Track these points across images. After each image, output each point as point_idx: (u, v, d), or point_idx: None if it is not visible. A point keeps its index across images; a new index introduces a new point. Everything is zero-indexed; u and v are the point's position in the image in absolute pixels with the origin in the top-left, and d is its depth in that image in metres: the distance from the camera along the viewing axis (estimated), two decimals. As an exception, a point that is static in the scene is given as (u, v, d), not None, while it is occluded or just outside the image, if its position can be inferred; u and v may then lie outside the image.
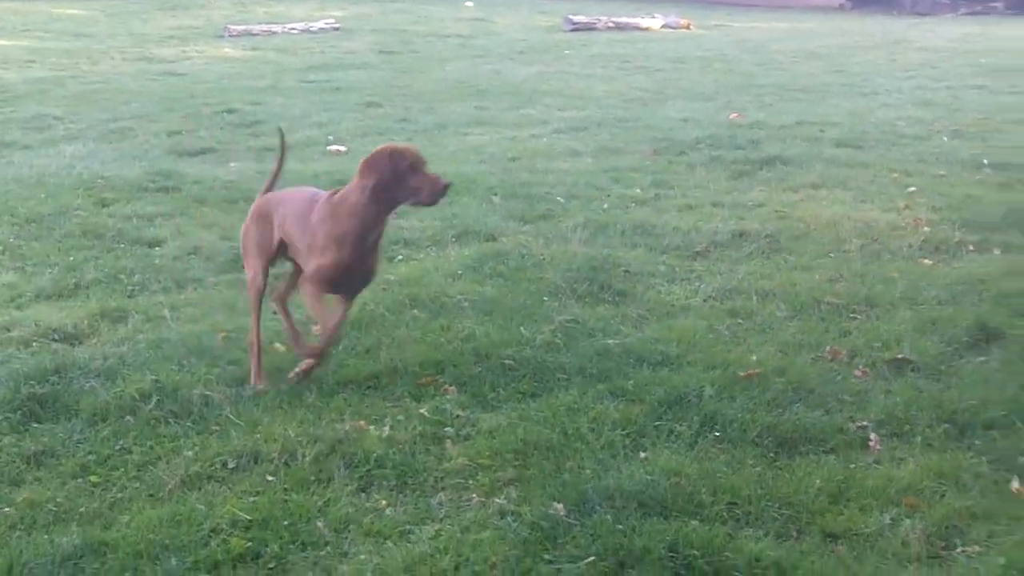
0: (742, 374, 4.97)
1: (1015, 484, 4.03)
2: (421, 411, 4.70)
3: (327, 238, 4.84)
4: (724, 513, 3.84)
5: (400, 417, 4.67)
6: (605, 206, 8.58)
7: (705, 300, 6.23)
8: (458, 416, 4.66)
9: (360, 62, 18.95)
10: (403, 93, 15.39)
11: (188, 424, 4.62)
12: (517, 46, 22.25)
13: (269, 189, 5.45)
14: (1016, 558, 3.51)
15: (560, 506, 3.86)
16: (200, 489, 4.10)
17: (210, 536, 3.75)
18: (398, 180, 4.78)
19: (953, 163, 9.94)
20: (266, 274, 5.18)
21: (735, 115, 12.73)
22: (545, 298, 6.24)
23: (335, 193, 4.99)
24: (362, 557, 3.62)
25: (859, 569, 3.48)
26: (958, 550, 3.64)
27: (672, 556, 3.53)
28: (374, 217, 4.84)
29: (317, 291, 4.86)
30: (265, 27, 23.59)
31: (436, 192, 4.81)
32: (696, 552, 3.54)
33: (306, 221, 4.96)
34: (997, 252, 7.10)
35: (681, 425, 4.51)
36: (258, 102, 14.03)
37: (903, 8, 32.15)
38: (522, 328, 5.66)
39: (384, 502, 4.00)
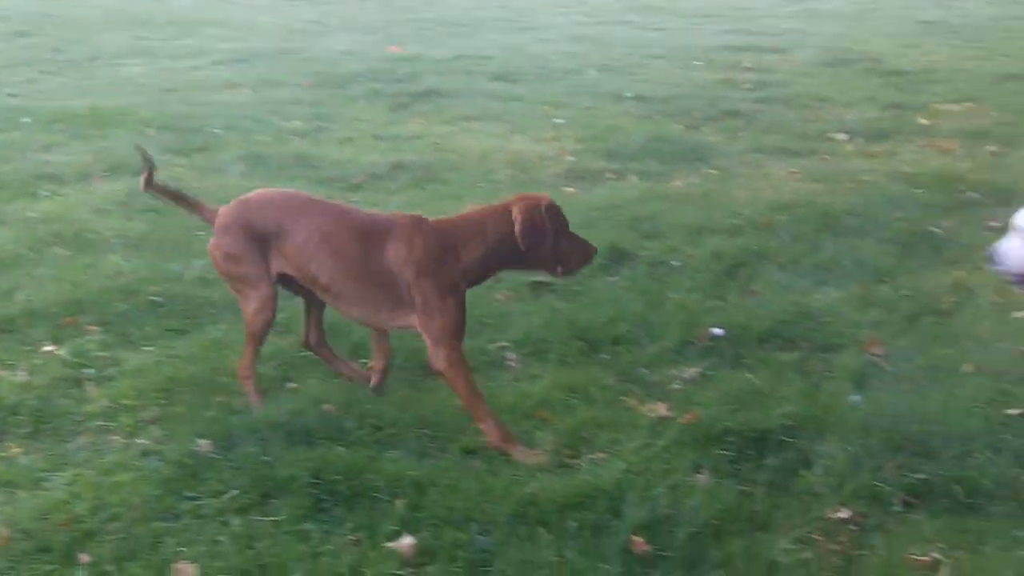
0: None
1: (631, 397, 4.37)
2: (60, 353, 4.52)
3: (443, 289, 3.93)
4: (368, 437, 3.94)
5: (37, 361, 4.47)
6: (265, 138, 8.46)
7: (361, 232, 6.29)
8: (100, 357, 4.52)
9: (8, -12, 17.52)
10: (55, 22, 14.45)
11: None
12: (178, -27, 21.28)
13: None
14: (634, 462, 3.80)
15: (205, 442, 3.84)
16: None
17: None
18: (550, 241, 4.02)
19: (600, 96, 10.48)
20: (275, 300, 4.14)
21: (395, 48, 12.81)
22: (199, 232, 6.08)
23: (421, 223, 4.00)
24: (-9, 508, 3.47)
25: (493, 481, 3.67)
26: (585, 458, 3.91)
27: (316, 482, 3.59)
28: (494, 268, 4.11)
29: (461, 357, 3.95)
30: None
31: (585, 260, 4.18)
32: (339, 476, 3.62)
33: (371, 261, 3.95)
34: (634, 179, 7.60)
35: (331, 354, 4.57)
36: None
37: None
38: (173, 264, 5.53)
39: (17, 450, 3.84)
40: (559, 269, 4.12)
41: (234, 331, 4.76)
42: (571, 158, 8.03)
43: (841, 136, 8.96)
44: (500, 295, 5.32)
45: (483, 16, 16.26)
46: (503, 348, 4.73)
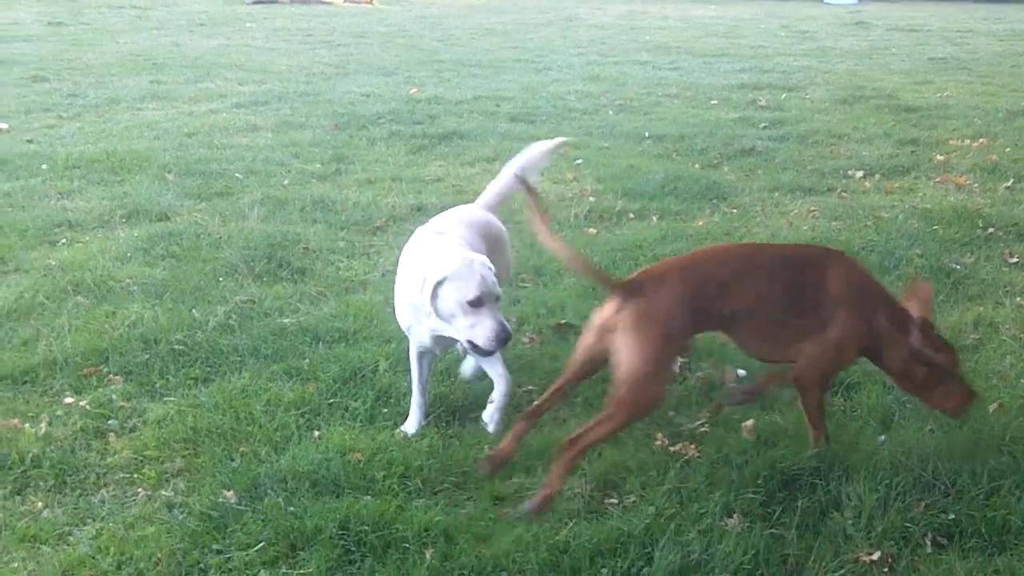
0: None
1: (660, 439, 4.32)
2: (83, 404, 4.49)
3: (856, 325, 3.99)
4: (396, 486, 3.91)
5: (59, 412, 4.44)
6: (285, 182, 8.49)
7: (383, 275, 6.28)
8: (123, 407, 4.50)
9: (25, 33, 17.72)
10: (73, 67, 14.57)
11: None
12: (197, 18, 21.52)
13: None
14: (664, 506, 3.77)
15: (231, 493, 3.81)
16: None
17: None
18: None
19: (617, 136, 10.50)
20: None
21: (414, 90, 12.88)
22: (220, 278, 6.11)
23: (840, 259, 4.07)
24: (15, 565, 3.44)
25: (523, 529, 3.63)
26: (615, 502, 3.87)
27: (344, 533, 3.56)
28: None
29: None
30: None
31: None
32: (367, 527, 3.58)
33: (799, 301, 3.94)
34: (654, 219, 7.57)
35: (356, 401, 4.54)
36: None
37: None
38: (194, 311, 5.52)
39: (41, 504, 3.81)
40: None
41: (259, 379, 4.74)
42: (591, 199, 8.02)
43: (858, 173, 8.94)
44: (526, 338, 5.29)
45: (499, 57, 16.35)
46: (530, 392, 4.69)
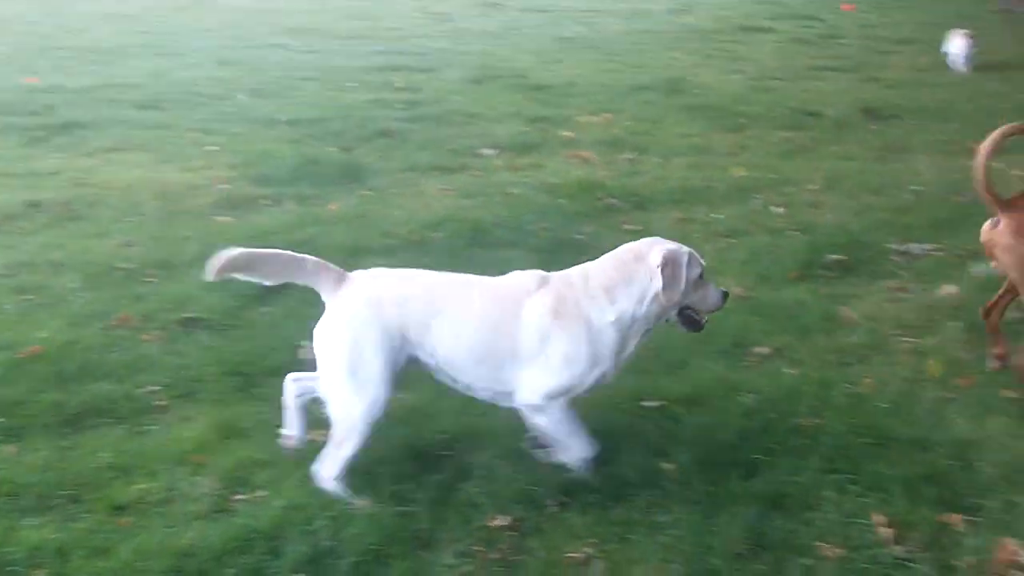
0: (19, 355, 4.71)
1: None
2: None
3: None
4: (6, 506, 3.65)
5: None
6: None
7: (-2, 276, 5.85)
8: None
9: None
10: None
11: None
12: None
13: None
14: (295, 496, 3.74)
15: None
16: None
17: None
18: None
19: (251, 121, 10.25)
20: None
21: (30, 79, 12.01)
22: None
23: None
24: None
25: (146, 537, 3.49)
26: (243, 499, 3.78)
27: (-59, 563, 3.27)
28: None
29: None
30: None
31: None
32: (-32, 554, 3.31)
33: None
34: (289, 204, 7.48)
35: (-45, 418, 4.18)
36: None
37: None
38: None
39: None
40: None
41: None
42: (225, 186, 7.81)
43: (489, 151, 9.23)
44: (147, 336, 5.07)
45: (124, 43, 15.51)
46: (153, 392, 4.51)
